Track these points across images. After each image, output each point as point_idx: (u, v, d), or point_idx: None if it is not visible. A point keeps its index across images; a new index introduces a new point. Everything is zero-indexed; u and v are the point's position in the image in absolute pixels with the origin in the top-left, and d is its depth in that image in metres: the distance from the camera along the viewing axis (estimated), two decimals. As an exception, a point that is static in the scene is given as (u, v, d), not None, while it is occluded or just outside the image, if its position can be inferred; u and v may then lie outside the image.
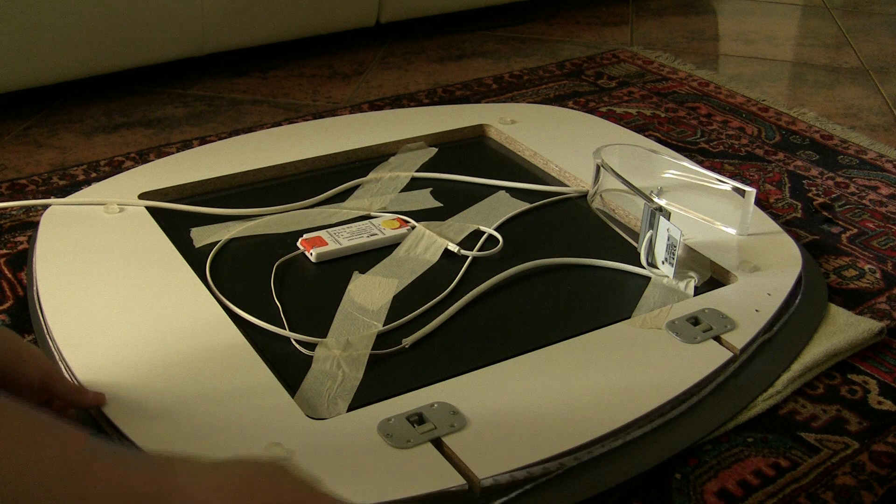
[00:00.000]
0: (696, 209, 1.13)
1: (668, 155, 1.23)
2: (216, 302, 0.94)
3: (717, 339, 0.92)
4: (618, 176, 1.09)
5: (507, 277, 1.02)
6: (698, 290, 1.00)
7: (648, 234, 1.02)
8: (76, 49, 1.41)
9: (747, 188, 1.09)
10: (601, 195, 1.15)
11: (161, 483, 0.50)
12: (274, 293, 0.98)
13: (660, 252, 1.01)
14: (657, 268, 1.02)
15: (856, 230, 1.19)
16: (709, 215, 1.12)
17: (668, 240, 1.00)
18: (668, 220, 0.99)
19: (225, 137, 1.32)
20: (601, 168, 1.12)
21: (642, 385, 0.86)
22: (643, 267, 1.03)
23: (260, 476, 0.57)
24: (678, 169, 1.19)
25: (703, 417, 0.85)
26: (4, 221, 1.13)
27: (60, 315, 0.91)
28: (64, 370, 0.86)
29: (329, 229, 1.08)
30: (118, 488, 0.49)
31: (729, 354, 0.90)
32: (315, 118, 1.43)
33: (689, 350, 0.90)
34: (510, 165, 1.27)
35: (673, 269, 1.00)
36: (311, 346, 0.90)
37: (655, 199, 1.07)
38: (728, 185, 1.12)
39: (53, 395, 0.75)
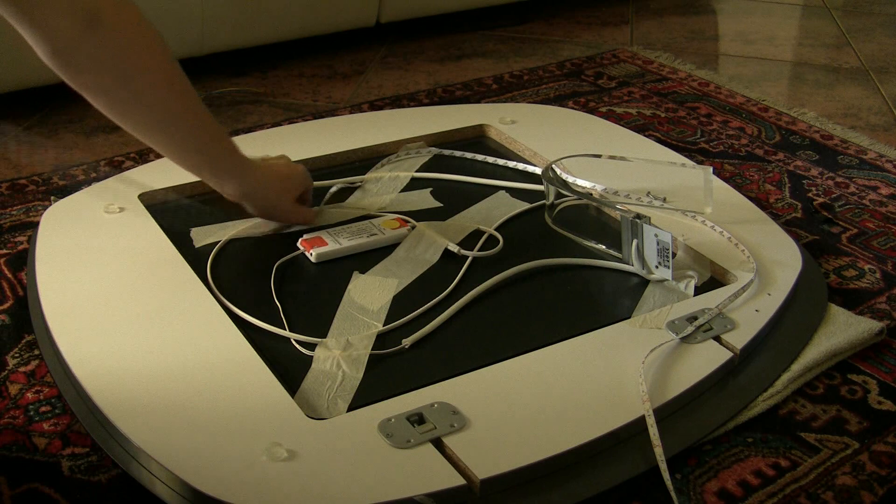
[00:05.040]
0: (662, 203, 1.13)
1: (618, 157, 1.23)
2: (216, 302, 0.95)
3: (717, 339, 0.92)
4: (576, 192, 1.11)
5: (507, 277, 1.02)
6: (698, 290, 1.00)
7: (634, 244, 1.01)
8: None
9: (702, 166, 1.14)
10: (559, 212, 1.15)
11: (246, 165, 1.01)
12: (274, 293, 0.98)
13: (651, 258, 1.01)
14: (653, 273, 1.02)
15: (856, 230, 1.19)
16: (678, 205, 1.13)
17: (658, 245, 0.99)
18: (650, 224, 0.99)
19: (225, 137, 1.32)
20: (551, 186, 1.12)
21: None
22: (640, 272, 1.03)
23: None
24: (634, 168, 1.20)
25: (703, 417, 0.85)
26: (4, 221, 1.13)
27: (60, 315, 0.91)
28: (63, 370, 0.86)
29: (329, 229, 1.08)
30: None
31: (729, 354, 0.90)
32: (315, 118, 1.43)
33: (689, 350, 0.90)
34: (510, 165, 1.27)
35: (669, 271, 1.00)
36: (311, 346, 0.90)
37: (623, 206, 1.08)
38: (686, 165, 1.17)
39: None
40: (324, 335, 0.92)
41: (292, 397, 0.82)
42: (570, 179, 1.16)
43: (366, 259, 1.04)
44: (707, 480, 0.80)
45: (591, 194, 1.15)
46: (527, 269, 1.04)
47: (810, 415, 0.88)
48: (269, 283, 1.00)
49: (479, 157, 1.27)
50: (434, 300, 0.98)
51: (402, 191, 1.19)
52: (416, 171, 1.23)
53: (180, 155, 0.99)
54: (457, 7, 1.88)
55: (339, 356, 0.89)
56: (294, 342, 0.91)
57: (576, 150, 1.24)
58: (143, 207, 1.10)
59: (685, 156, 1.31)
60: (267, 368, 0.85)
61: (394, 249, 1.06)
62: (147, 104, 0.92)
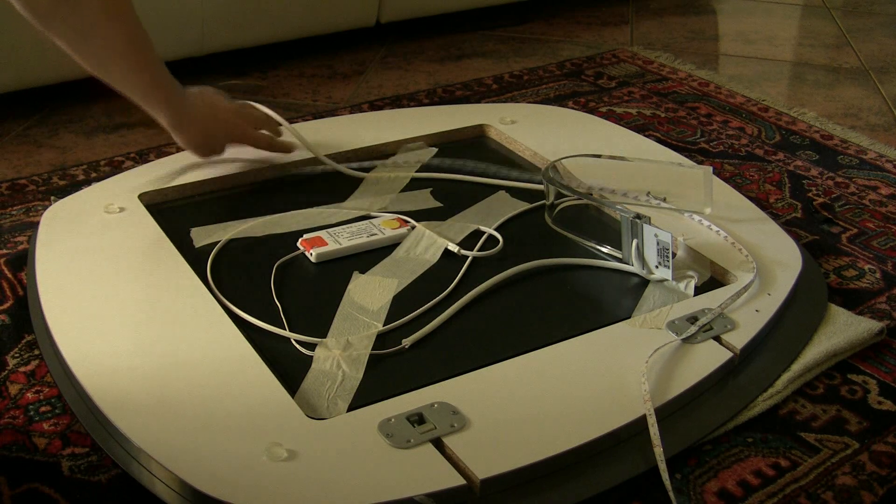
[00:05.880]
0: (662, 203, 1.13)
1: (618, 157, 1.23)
2: (216, 302, 0.95)
3: (717, 339, 0.92)
4: (576, 192, 1.11)
5: (507, 277, 1.02)
6: (698, 290, 1.00)
7: (634, 244, 1.01)
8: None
9: (702, 166, 1.15)
10: (559, 212, 1.15)
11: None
12: (274, 293, 0.98)
13: (651, 258, 1.01)
14: (653, 273, 1.02)
15: (856, 230, 1.19)
16: (678, 205, 1.13)
17: (658, 245, 0.99)
18: (650, 224, 0.99)
19: (225, 137, 1.32)
20: (551, 186, 1.12)
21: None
22: (640, 272, 1.03)
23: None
24: (634, 168, 1.19)
25: (703, 417, 0.85)
26: (4, 221, 1.13)
27: (60, 315, 0.91)
28: (63, 370, 0.86)
29: (329, 229, 1.08)
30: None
31: (729, 354, 0.90)
32: (315, 118, 1.43)
33: (689, 350, 0.90)
34: (510, 165, 1.27)
35: (669, 271, 1.00)
36: (311, 346, 0.90)
37: (623, 205, 1.08)
38: (686, 165, 1.16)
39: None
40: (324, 335, 0.92)
41: (292, 397, 0.82)
42: (572, 175, 1.16)
43: (366, 259, 1.04)
44: (707, 480, 0.80)
45: (591, 194, 1.15)
46: (527, 269, 1.04)
47: (810, 415, 0.88)
48: (269, 283, 1.00)
49: (481, 164, 1.27)
50: (434, 300, 0.98)
51: (402, 191, 1.19)
52: (416, 171, 1.23)
53: (122, 90, 1.06)
54: (457, 7, 1.88)
55: (339, 356, 0.89)
56: (294, 342, 0.91)
57: (576, 150, 1.24)
58: (143, 207, 1.10)
59: (685, 156, 1.31)
60: (267, 368, 0.85)
61: (394, 249, 1.06)
62: (103, 56, 1.02)
